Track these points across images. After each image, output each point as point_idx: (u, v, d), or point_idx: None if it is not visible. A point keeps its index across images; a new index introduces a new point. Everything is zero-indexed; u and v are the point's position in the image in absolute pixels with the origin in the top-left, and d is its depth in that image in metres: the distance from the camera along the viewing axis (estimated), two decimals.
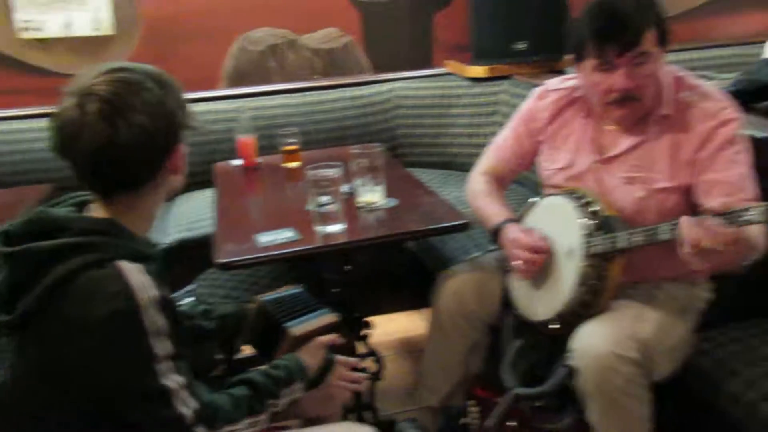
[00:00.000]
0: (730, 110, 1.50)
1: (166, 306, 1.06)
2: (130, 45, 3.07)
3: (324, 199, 1.62)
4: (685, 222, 1.26)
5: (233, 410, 1.15)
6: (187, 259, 2.31)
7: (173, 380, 1.06)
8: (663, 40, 1.49)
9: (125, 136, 1.03)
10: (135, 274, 1.03)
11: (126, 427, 1.09)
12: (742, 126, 1.50)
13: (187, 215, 2.57)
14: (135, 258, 1.06)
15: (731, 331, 1.66)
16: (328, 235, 1.62)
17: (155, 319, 1.03)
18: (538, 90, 1.78)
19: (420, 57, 3.39)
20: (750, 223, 1.18)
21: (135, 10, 3.03)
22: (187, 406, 1.07)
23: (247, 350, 2.42)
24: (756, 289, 1.76)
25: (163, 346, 1.04)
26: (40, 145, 2.75)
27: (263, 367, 1.27)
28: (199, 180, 2.93)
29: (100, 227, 1.08)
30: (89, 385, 1.04)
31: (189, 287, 2.01)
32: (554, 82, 1.76)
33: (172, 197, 2.78)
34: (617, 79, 1.47)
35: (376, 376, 1.89)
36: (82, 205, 1.16)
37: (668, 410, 1.55)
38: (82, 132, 1.03)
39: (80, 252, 1.03)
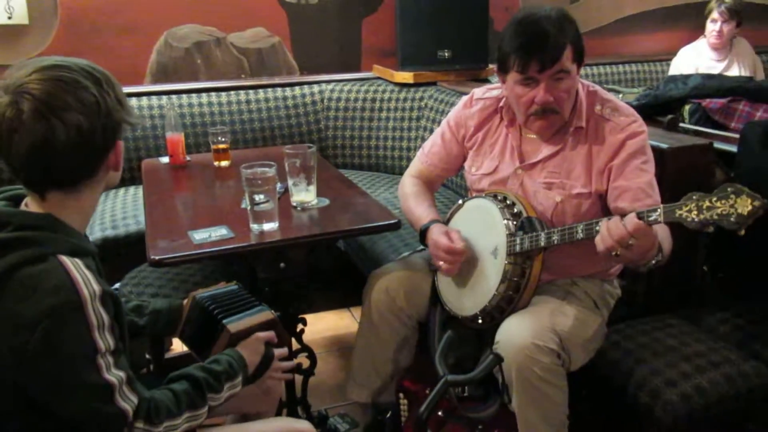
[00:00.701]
0: (638, 123, 1.64)
1: (108, 300, 1.05)
2: (47, 35, 2.95)
3: (259, 197, 1.63)
4: (601, 228, 1.37)
5: (173, 405, 1.15)
6: (112, 257, 2.26)
7: (114, 375, 1.06)
8: (579, 58, 1.61)
9: (61, 136, 1.02)
10: (76, 268, 1.03)
11: (64, 425, 1.08)
12: (647, 138, 1.64)
13: (111, 213, 2.51)
14: (74, 253, 1.06)
15: (638, 324, 1.81)
16: (263, 233, 1.64)
17: (98, 313, 1.03)
18: (465, 98, 1.87)
19: (348, 61, 3.44)
20: (654, 223, 1.30)
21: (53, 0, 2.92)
22: (127, 402, 1.07)
23: (176, 349, 2.41)
24: (660, 288, 1.94)
25: (104, 341, 1.04)
26: None
27: (202, 363, 1.28)
28: (123, 177, 2.87)
29: (38, 222, 1.06)
30: (30, 381, 1.02)
31: (114, 286, 1.97)
32: (480, 91, 1.85)
33: (107, 191, 2.71)
34: (538, 93, 1.58)
35: (309, 372, 1.91)
36: (15, 199, 1.14)
37: (583, 397, 1.68)
38: (17, 131, 1.01)
39: (19, 247, 1.01)
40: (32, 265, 1.00)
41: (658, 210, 1.28)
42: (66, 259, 1.03)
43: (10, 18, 2.88)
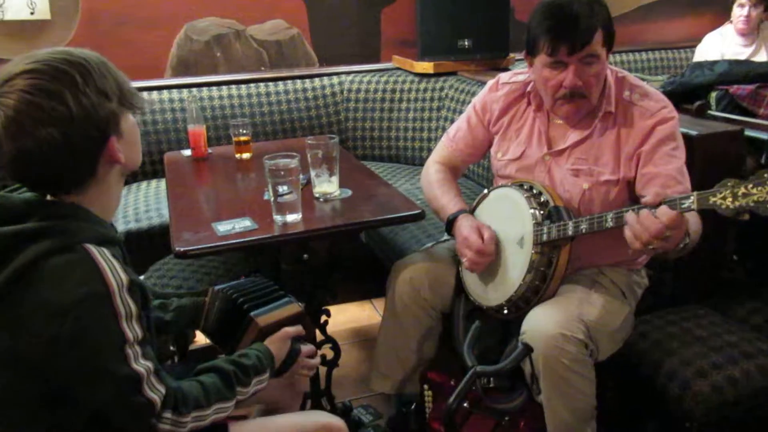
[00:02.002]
0: (669, 109, 1.60)
1: (135, 290, 1.05)
2: (69, 30, 2.97)
3: (283, 188, 1.63)
4: (629, 219, 1.34)
5: (202, 397, 1.15)
6: (136, 250, 2.27)
7: (142, 365, 1.06)
8: (609, 42, 1.58)
9: (34, 151, 1.00)
10: (103, 257, 1.02)
11: (92, 416, 1.08)
12: (678, 124, 1.61)
13: (134, 206, 2.52)
14: (100, 242, 1.05)
15: (667, 315, 1.78)
16: (286, 224, 1.64)
17: (126, 303, 1.03)
18: (491, 82, 1.85)
19: (367, 51, 3.42)
20: (687, 210, 1.27)
21: None
22: (155, 392, 1.07)
23: (200, 341, 2.42)
24: (688, 278, 1.90)
25: (132, 331, 1.04)
26: None
27: (230, 356, 1.27)
28: (145, 170, 2.89)
29: (63, 212, 1.06)
30: (59, 372, 1.02)
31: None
32: (506, 76, 1.83)
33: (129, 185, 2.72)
34: (567, 76, 1.55)
35: (333, 363, 1.91)
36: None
37: (611, 388, 1.65)
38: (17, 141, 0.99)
39: (46, 236, 1.01)
40: (59, 255, 1.00)
41: (692, 197, 1.25)
42: (93, 249, 1.02)
43: (32, 13, 2.90)
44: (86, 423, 1.09)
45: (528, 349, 1.29)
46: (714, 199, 1.21)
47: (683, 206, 1.27)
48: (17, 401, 1.06)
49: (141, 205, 2.53)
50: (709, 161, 1.77)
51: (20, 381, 1.04)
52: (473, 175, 2.84)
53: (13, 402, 1.06)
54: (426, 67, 3.09)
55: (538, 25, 1.56)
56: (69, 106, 1.00)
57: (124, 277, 1.03)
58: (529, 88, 1.75)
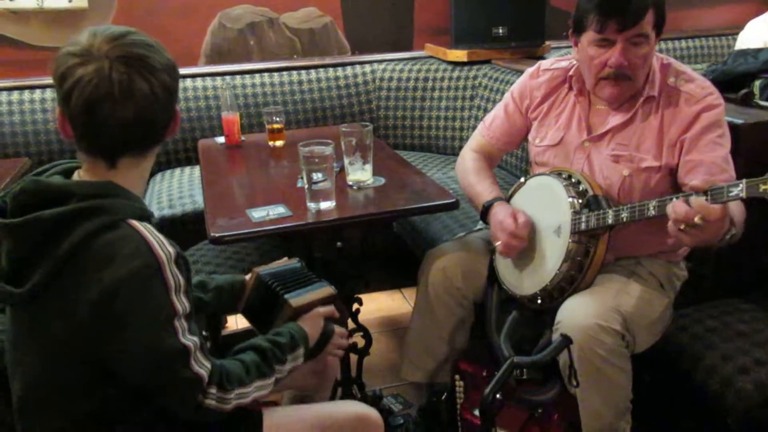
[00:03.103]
0: (715, 96, 1.55)
1: (182, 262, 1.06)
2: (106, 18, 3.00)
3: (317, 176, 1.62)
4: (676, 200, 1.30)
5: (243, 373, 1.15)
6: (170, 236, 2.29)
7: (190, 339, 1.06)
8: (660, 25, 1.53)
9: (158, 94, 1.04)
10: (149, 232, 1.03)
11: (138, 396, 1.09)
12: (724, 112, 1.56)
13: (167, 192, 2.55)
14: (141, 217, 1.06)
15: (707, 308, 1.73)
16: (320, 212, 1.64)
17: (175, 275, 1.03)
18: (531, 69, 1.82)
19: (400, 39, 3.40)
20: (735, 198, 1.23)
21: None
22: (202, 367, 1.08)
23: (231, 327, 2.44)
24: (729, 271, 1.85)
25: (181, 304, 1.05)
26: (15, 118, 2.69)
27: (265, 335, 1.28)
28: (178, 157, 2.92)
29: (102, 190, 1.06)
30: (111, 348, 1.03)
31: None
32: (548, 62, 1.79)
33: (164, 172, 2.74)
34: (613, 55, 1.51)
35: (364, 352, 1.91)
36: (66, 173, 1.14)
37: (647, 382, 1.62)
38: (113, 95, 1.01)
39: (91, 215, 1.02)
40: (108, 232, 1.01)
41: (740, 185, 1.21)
42: (137, 224, 1.03)
43: (70, 2, 2.94)
44: (132, 403, 1.10)
45: (567, 340, 1.26)
46: (765, 186, 1.17)
47: (731, 194, 1.22)
48: (64, 382, 1.07)
49: (174, 191, 2.55)
50: (755, 150, 1.71)
51: (68, 362, 1.06)
52: (507, 165, 2.81)
53: (60, 383, 1.07)
54: (459, 55, 3.06)
55: (588, 1, 1.52)
56: (168, 59, 1.09)
57: (171, 249, 1.03)
58: (571, 72, 1.71)
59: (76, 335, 1.03)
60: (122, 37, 1.04)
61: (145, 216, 1.08)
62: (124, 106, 1.02)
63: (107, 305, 0.99)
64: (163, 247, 1.02)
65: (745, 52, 2.46)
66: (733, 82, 2.30)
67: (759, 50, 2.44)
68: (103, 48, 1.02)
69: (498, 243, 1.65)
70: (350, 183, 1.82)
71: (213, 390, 1.09)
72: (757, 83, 2.35)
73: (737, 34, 3.49)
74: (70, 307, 1.01)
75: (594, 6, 1.50)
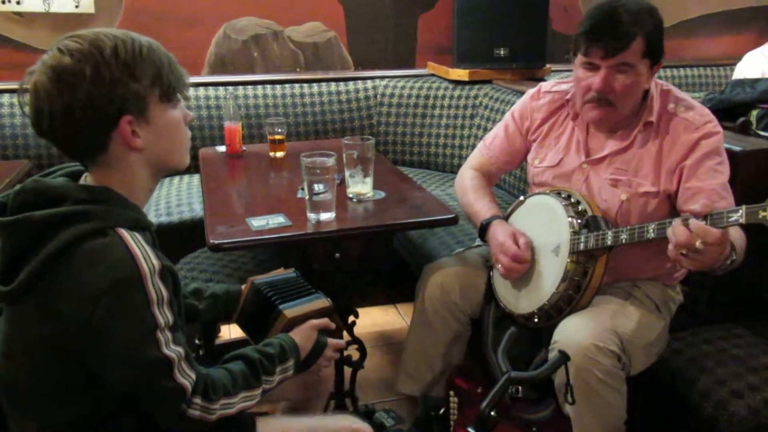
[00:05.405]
0: (714, 124, 1.57)
1: (167, 275, 1.05)
2: (111, 25, 3.02)
3: (318, 187, 1.63)
4: (676, 223, 1.31)
5: (230, 384, 1.15)
6: (166, 243, 2.28)
7: (173, 350, 1.06)
8: (653, 55, 1.55)
9: (85, 72, 1.00)
10: (135, 242, 1.02)
11: (123, 402, 1.08)
12: (723, 140, 1.58)
13: (165, 200, 2.55)
14: (132, 226, 1.05)
15: (702, 332, 1.74)
16: (320, 223, 1.64)
17: (158, 288, 1.03)
18: (531, 91, 1.84)
19: (402, 57, 3.43)
20: (735, 224, 1.24)
21: None
22: (186, 378, 1.07)
23: (224, 336, 2.43)
24: (725, 297, 1.86)
25: (163, 316, 1.04)
26: (17, 120, 2.69)
27: (255, 345, 1.27)
28: None
29: (96, 195, 1.06)
30: (91, 355, 1.03)
31: None
32: (548, 85, 1.82)
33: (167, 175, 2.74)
34: (595, 80, 1.54)
35: (358, 365, 1.90)
36: (74, 175, 1.14)
37: (642, 404, 1.62)
38: (45, 86, 1.01)
39: (80, 220, 1.01)
40: (93, 239, 1.00)
41: (740, 210, 1.22)
42: (126, 233, 1.02)
43: (77, 6, 2.96)
44: (117, 408, 1.09)
45: (565, 357, 1.26)
46: (764, 213, 1.18)
47: (731, 219, 1.24)
48: (48, 386, 1.06)
49: (173, 199, 2.55)
50: (752, 177, 1.73)
51: (51, 365, 1.05)
52: (505, 185, 2.82)
53: (44, 387, 1.06)
54: (461, 74, 3.09)
55: (581, 23, 1.56)
56: (85, 71, 1.00)
57: (156, 262, 1.03)
58: (569, 96, 1.73)
59: (59, 338, 1.02)
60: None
61: (139, 226, 1.07)
62: (60, 96, 1.00)
63: (86, 313, 0.98)
64: (147, 259, 1.01)
65: (742, 82, 2.50)
66: (730, 111, 2.34)
67: (756, 81, 2.48)
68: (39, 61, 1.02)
69: (499, 266, 1.65)
70: (350, 195, 1.82)
71: (197, 400, 1.09)
72: (754, 113, 2.38)
73: (734, 64, 3.54)
74: (53, 311, 1.00)
75: (583, 30, 1.54)
